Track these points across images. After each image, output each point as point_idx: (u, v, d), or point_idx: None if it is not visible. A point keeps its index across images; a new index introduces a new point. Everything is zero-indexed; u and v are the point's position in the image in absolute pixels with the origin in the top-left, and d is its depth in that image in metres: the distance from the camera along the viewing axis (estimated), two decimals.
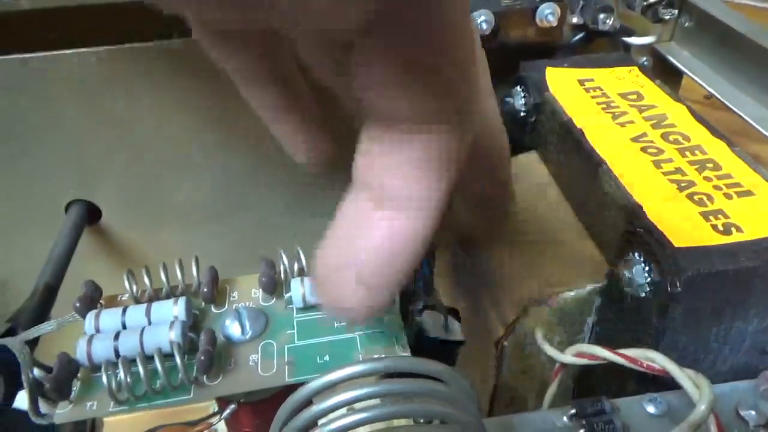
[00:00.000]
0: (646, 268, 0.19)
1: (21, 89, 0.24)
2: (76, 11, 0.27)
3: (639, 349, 0.19)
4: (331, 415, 0.14)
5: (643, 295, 0.19)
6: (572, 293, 0.22)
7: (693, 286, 0.18)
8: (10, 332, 0.20)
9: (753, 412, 0.18)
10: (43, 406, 0.17)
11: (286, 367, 0.17)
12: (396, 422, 0.14)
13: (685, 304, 0.18)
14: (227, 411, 0.18)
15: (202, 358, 0.16)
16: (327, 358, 0.17)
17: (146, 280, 0.19)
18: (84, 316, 0.18)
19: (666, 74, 0.33)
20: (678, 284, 0.18)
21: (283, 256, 0.19)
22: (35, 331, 0.19)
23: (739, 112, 0.30)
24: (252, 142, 0.27)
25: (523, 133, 0.30)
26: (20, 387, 0.18)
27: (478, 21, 0.27)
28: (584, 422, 0.18)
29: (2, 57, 0.24)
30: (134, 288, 0.19)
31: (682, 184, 0.22)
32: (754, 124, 0.29)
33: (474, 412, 0.14)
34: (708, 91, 0.31)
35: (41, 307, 0.22)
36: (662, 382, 0.19)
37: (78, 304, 0.18)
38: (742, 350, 0.20)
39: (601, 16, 0.29)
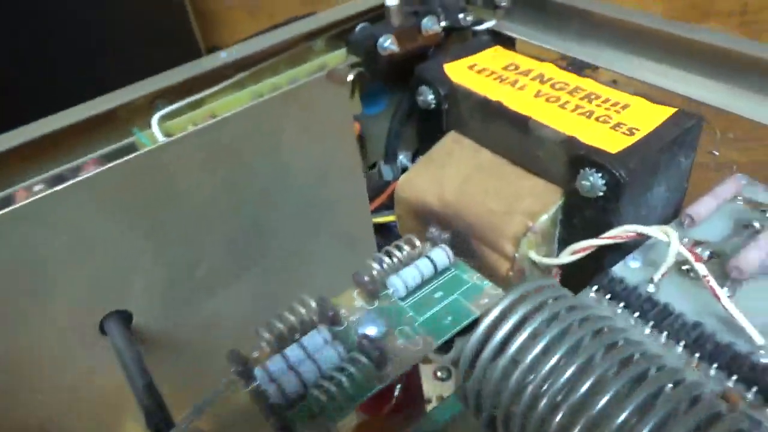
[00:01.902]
0: (599, 174, 0.27)
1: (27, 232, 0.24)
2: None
3: (613, 229, 0.28)
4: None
5: (601, 193, 0.28)
6: (546, 215, 0.30)
7: (634, 172, 0.27)
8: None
9: (686, 239, 0.28)
10: None
11: (428, 338, 0.22)
12: None
13: (630, 188, 0.27)
14: (398, 388, 0.22)
15: (377, 354, 0.20)
16: (450, 318, 0.22)
17: (279, 324, 0.22)
18: (248, 377, 0.21)
19: (503, 44, 0.43)
20: (626, 175, 0.26)
21: (373, 264, 0.24)
22: (195, 412, 0.21)
23: (567, 54, 0.40)
24: (255, 201, 0.30)
25: (439, 121, 0.37)
26: None
27: (385, 45, 0.34)
28: (605, 291, 0.26)
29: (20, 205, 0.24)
30: (267, 336, 0.22)
31: (587, 114, 0.30)
32: (580, 57, 0.40)
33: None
34: (539, 47, 0.41)
35: (161, 406, 0.23)
36: (626, 251, 0.28)
37: (238, 369, 0.21)
38: (662, 206, 0.30)
39: (461, 15, 0.37)
